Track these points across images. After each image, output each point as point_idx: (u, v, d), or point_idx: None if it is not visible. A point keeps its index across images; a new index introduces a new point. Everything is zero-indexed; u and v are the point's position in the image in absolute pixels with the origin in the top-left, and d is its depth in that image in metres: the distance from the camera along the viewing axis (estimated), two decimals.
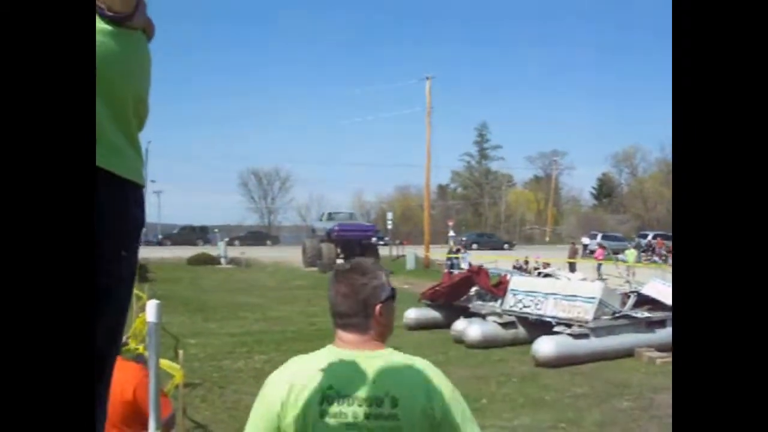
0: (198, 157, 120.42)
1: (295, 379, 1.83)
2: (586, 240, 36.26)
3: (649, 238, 46.37)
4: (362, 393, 1.77)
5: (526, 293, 12.16)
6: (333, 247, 31.43)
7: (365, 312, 1.87)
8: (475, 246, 47.85)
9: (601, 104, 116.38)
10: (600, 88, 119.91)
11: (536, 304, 11.84)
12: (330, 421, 1.76)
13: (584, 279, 14.89)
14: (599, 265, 29.59)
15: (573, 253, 31.79)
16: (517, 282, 12.84)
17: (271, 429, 1.82)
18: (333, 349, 1.88)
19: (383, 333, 1.90)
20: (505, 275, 13.74)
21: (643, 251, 41.91)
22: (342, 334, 1.89)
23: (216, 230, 57.39)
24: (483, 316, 12.38)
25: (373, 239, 35.55)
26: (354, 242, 31.93)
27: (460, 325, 12.11)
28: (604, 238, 49.76)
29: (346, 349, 1.86)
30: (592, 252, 36.29)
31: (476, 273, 13.66)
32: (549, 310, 11.57)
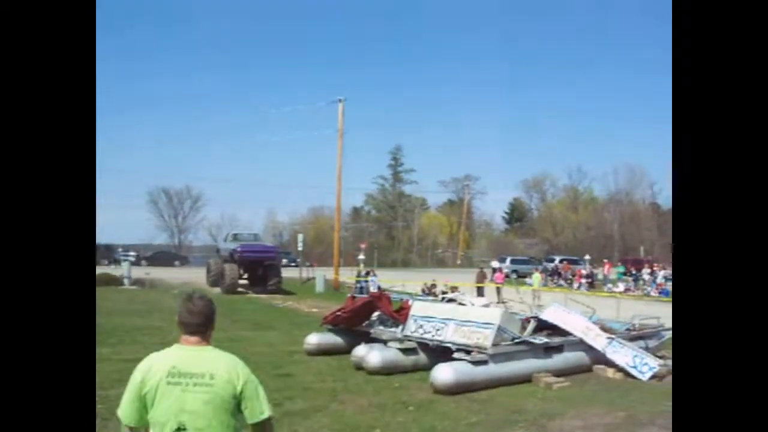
0: (106, 171, 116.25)
1: (152, 362, 3.15)
2: (495, 263, 36.93)
3: (556, 262, 47.63)
4: (194, 370, 3.09)
5: (427, 319, 12.10)
6: (236, 268, 31.31)
7: (207, 324, 3.26)
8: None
9: (513, 131, 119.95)
10: (512, 114, 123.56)
11: (437, 330, 11.78)
12: (171, 387, 3.05)
13: (487, 304, 14.99)
14: (498, 288, 30.18)
15: (481, 278, 32.21)
16: (418, 307, 12.77)
17: (135, 393, 3.09)
18: (179, 345, 3.21)
19: (210, 338, 3.26)
20: (407, 300, 13.64)
21: (550, 275, 43.08)
22: (187, 338, 3.21)
23: (120, 249, 55.43)
24: (384, 342, 12.23)
25: (283, 260, 37.26)
26: (257, 263, 32.10)
27: (361, 351, 11.90)
28: (513, 261, 50.93)
29: (188, 345, 3.19)
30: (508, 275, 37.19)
31: (378, 298, 13.52)
32: (449, 335, 11.53)
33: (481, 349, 10.82)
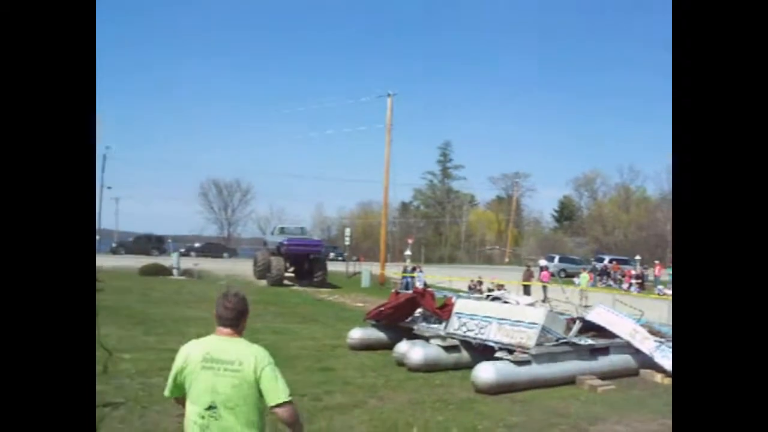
0: (159, 166, 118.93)
1: (191, 348, 3.65)
2: (543, 262, 36.42)
3: (605, 261, 46.70)
4: (225, 357, 3.54)
5: (470, 317, 11.99)
6: (282, 261, 31.91)
7: (240, 318, 3.69)
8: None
9: (565, 128, 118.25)
10: (564, 111, 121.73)
11: (480, 328, 11.66)
12: (205, 370, 3.52)
13: (532, 303, 14.78)
14: (544, 287, 29.73)
15: (528, 276, 31.80)
16: (461, 305, 12.66)
17: (176, 374, 3.63)
18: (214, 336, 3.67)
19: (242, 331, 3.70)
20: (451, 297, 13.55)
21: (599, 275, 42.28)
22: (221, 329, 3.66)
23: (170, 240, 56.47)
24: (426, 339, 12.16)
25: (330, 254, 37.82)
26: (302, 256, 32.71)
27: (403, 347, 11.87)
28: (561, 260, 50.09)
29: (221, 336, 3.65)
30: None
31: (421, 295, 13.47)
32: (492, 334, 11.41)
33: (524, 348, 10.67)
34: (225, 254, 59.44)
